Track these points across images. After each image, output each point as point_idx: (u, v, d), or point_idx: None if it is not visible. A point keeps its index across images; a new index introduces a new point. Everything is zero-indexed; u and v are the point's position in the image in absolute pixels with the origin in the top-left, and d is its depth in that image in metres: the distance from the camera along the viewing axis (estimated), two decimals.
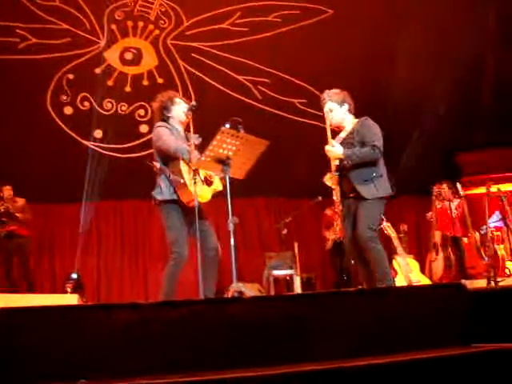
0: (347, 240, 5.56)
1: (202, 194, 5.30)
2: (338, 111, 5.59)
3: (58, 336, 3.14)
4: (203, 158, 4.97)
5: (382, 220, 8.26)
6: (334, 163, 5.45)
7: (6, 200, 9.39)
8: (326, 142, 5.54)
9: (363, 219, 5.27)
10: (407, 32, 10.39)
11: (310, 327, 3.48)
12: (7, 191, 9.46)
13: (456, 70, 10.74)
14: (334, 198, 5.57)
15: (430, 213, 9.50)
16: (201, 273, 5.09)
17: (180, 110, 5.56)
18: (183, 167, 5.27)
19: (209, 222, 5.53)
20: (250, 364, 3.15)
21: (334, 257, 9.73)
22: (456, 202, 9.40)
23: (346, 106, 5.60)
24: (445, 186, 9.47)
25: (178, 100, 5.63)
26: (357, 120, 5.58)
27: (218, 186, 5.51)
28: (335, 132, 5.68)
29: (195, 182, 5.09)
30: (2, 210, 9.05)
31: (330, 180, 5.53)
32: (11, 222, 9.19)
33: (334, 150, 5.38)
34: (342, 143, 5.48)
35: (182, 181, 5.21)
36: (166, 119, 5.58)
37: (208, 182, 5.44)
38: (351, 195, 5.43)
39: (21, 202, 9.48)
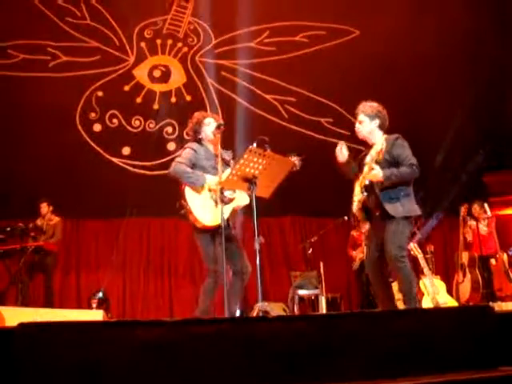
0: (368, 260, 5.53)
1: (215, 215, 5.29)
2: (367, 124, 5.52)
3: (84, 351, 3.15)
4: (230, 177, 4.99)
5: (410, 240, 8.22)
6: (364, 183, 5.40)
7: (43, 216, 9.52)
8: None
9: (392, 238, 5.21)
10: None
11: (335, 347, 3.46)
12: (44, 208, 9.59)
13: (485, 89, 10.73)
14: (359, 218, 5.56)
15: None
16: (225, 292, 5.09)
17: (209, 130, 5.61)
18: (188, 192, 5.33)
19: (238, 243, 5.55)
20: (273, 383, 3.14)
21: (361, 277, 9.66)
22: (486, 221, 9.32)
23: (376, 121, 5.50)
24: (476, 205, 9.40)
25: (207, 121, 5.67)
26: (386, 137, 5.48)
27: (242, 201, 5.49)
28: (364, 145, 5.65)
29: (219, 202, 5.13)
30: (31, 226, 9.13)
31: (357, 200, 5.50)
32: (40, 237, 9.26)
33: (374, 172, 5.29)
34: (371, 162, 5.44)
35: (187, 207, 5.29)
36: (198, 140, 5.65)
37: (226, 199, 5.43)
38: (377, 213, 5.38)
39: (55, 220, 9.58)
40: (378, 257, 5.43)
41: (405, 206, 5.28)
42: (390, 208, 5.26)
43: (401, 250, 5.21)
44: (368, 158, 5.51)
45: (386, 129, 5.59)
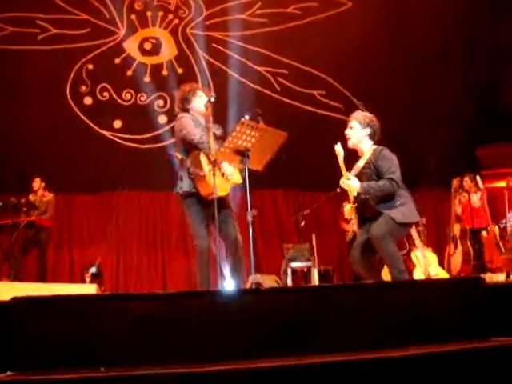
0: (355, 246, 5.58)
1: (222, 186, 5.31)
2: (357, 131, 5.52)
3: (77, 325, 3.17)
4: (222, 150, 4.97)
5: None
6: (353, 194, 5.42)
7: (35, 192, 9.50)
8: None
9: (380, 224, 5.25)
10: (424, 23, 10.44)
11: (327, 319, 3.48)
12: (36, 183, 9.56)
13: (476, 62, 10.73)
14: (354, 227, 5.61)
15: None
16: (219, 264, 5.11)
17: (201, 102, 5.60)
18: (203, 159, 5.30)
19: (232, 213, 5.58)
20: (267, 355, 3.17)
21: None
22: (478, 194, 9.35)
23: (367, 130, 5.51)
24: (467, 178, 9.42)
25: (200, 93, 5.66)
26: (373, 149, 5.50)
27: (237, 179, 5.51)
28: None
29: (214, 174, 5.11)
30: (24, 201, 9.11)
31: (350, 213, 5.53)
32: (33, 212, 9.24)
33: (351, 183, 5.33)
34: (359, 173, 5.46)
35: (201, 173, 5.24)
36: (185, 110, 5.62)
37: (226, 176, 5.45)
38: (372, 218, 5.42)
39: (48, 197, 9.55)
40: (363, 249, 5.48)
41: (405, 214, 5.29)
42: (396, 214, 5.24)
43: (384, 235, 5.22)
44: (355, 167, 5.57)
45: (377, 140, 5.60)
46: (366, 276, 5.51)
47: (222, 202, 5.36)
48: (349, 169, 5.53)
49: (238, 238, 5.50)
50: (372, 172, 5.38)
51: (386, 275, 8.71)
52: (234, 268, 5.44)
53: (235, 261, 5.46)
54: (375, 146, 5.52)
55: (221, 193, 5.27)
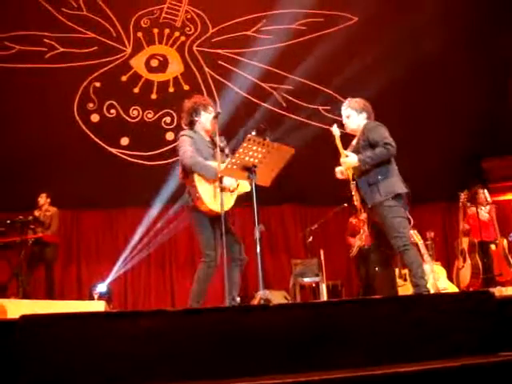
0: (372, 247, 5.62)
1: (224, 201, 5.29)
2: (354, 118, 5.65)
3: (85, 343, 3.17)
4: (229, 166, 4.98)
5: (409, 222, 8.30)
6: (351, 173, 5.47)
7: (40, 207, 9.53)
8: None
9: (389, 233, 5.31)
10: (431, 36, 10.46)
11: (336, 335, 3.47)
12: (42, 199, 9.61)
13: (481, 73, 10.75)
14: (355, 203, 5.63)
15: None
16: (227, 280, 5.10)
17: (209, 118, 5.58)
18: (198, 181, 5.29)
19: (233, 229, 5.57)
20: (276, 371, 3.15)
21: (360, 264, 9.68)
22: (487, 207, 9.33)
23: (364, 115, 5.63)
24: (481, 191, 9.39)
25: (211, 109, 5.64)
26: (364, 124, 5.61)
27: (244, 187, 5.50)
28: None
29: (221, 190, 5.12)
30: (31, 219, 9.13)
31: (351, 188, 5.60)
32: (40, 229, 9.27)
33: (349, 159, 5.43)
34: (354, 150, 5.52)
35: (197, 195, 5.25)
36: (192, 122, 5.61)
37: (231, 188, 5.44)
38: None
39: (52, 211, 9.59)
40: (378, 244, 5.51)
41: (383, 189, 5.34)
42: (368, 197, 5.38)
43: (402, 239, 5.26)
44: (350, 146, 5.67)
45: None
46: (384, 279, 5.54)
47: (225, 217, 5.36)
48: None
49: (244, 255, 5.50)
50: (365, 145, 5.46)
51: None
52: (234, 285, 5.41)
53: (236, 278, 5.44)
54: (365, 122, 5.62)
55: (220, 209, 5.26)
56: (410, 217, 5.80)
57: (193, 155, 5.36)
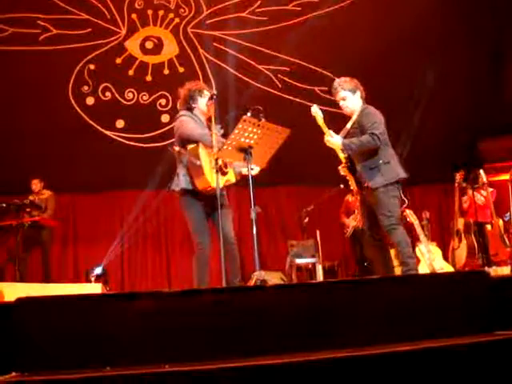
0: (364, 228, 5.64)
1: (214, 181, 5.31)
2: (351, 99, 5.64)
3: (81, 324, 3.17)
4: (225, 147, 4.98)
5: (403, 202, 8.30)
6: (343, 155, 5.49)
7: (36, 193, 9.54)
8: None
9: (380, 209, 5.35)
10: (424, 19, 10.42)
11: (332, 315, 3.48)
12: (35, 184, 9.62)
13: (477, 55, 10.72)
14: (351, 187, 5.66)
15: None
16: (223, 260, 5.12)
17: (204, 101, 5.60)
18: (202, 151, 5.31)
19: (229, 209, 5.58)
20: (272, 352, 3.16)
21: (355, 244, 9.70)
22: (487, 190, 9.34)
23: (358, 93, 5.65)
24: (481, 172, 9.39)
25: (206, 92, 5.66)
26: (360, 109, 5.60)
27: (231, 177, 5.52)
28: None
29: (217, 171, 5.13)
30: (27, 202, 9.12)
31: (342, 171, 5.60)
32: (36, 212, 9.28)
33: (332, 140, 5.43)
34: (347, 134, 5.52)
35: (198, 163, 5.25)
36: (189, 109, 5.63)
37: (222, 171, 5.44)
38: (365, 185, 5.46)
39: (46, 194, 9.60)
40: (370, 225, 5.53)
41: (385, 174, 5.37)
42: (370, 179, 5.40)
43: (390, 218, 5.30)
44: (344, 129, 5.67)
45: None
46: (376, 262, 5.57)
47: (221, 198, 5.37)
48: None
49: (232, 236, 5.52)
50: (358, 131, 5.49)
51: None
52: (233, 264, 5.44)
53: (230, 258, 5.46)
54: (363, 106, 5.62)
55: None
56: (404, 198, 5.83)
57: (203, 132, 5.43)
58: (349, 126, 5.63)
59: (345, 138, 5.50)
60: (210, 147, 5.25)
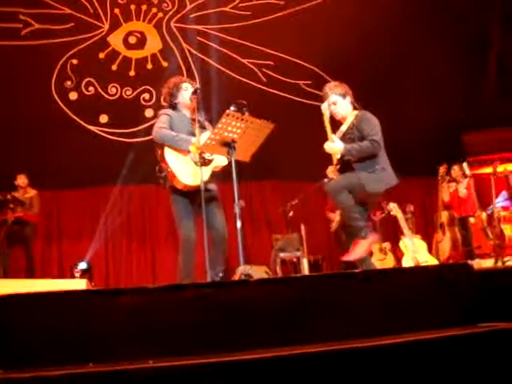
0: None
1: (195, 176, 5.32)
2: (341, 104, 5.64)
3: (66, 320, 3.16)
4: (208, 142, 4.97)
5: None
6: (336, 157, 5.52)
7: (19, 188, 9.47)
8: (330, 123, 5.58)
9: (341, 179, 5.46)
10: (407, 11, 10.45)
11: (318, 309, 3.49)
12: (21, 179, 9.55)
13: (460, 47, 10.76)
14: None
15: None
16: (207, 256, 5.13)
17: (186, 95, 5.62)
18: (168, 154, 5.33)
19: (218, 203, 5.59)
20: (256, 346, 3.16)
21: (340, 238, 9.72)
22: (464, 182, 9.40)
23: (348, 98, 5.66)
24: (455, 166, 9.47)
25: (184, 86, 5.68)
26: (355, 113, 5.62)
27: (220, 162, 5.51)
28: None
29: (201, 165, 5.16)
30: (10, 198, 9.07)
31: (332, 173, 5.62)
32: (19, 208, 9.23)
33: (335, 145, 5.46)
34: (343, 137, 5.56)
35: (168, 169, 5.30)
36: (174, 105, 5.64)
37: (206, 162, 5.44)
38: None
39: (31, 193, 9.54)
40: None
41: (381, 180, 5.44)
42: (369, 185, 5.39)
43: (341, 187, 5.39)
44: (338, 131, 5.65)
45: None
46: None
47: (208, 192, 5.38)
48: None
49: (223, 229, 5.52)
50: (355, 136, 5.49)
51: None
52: (215, 259, 5.45)
53: (217, 252, 5.48)
54: (356, 111, 5.63)
55: (195, 183, 5.28)
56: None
57: (161, 128, 5.44)
58: (344, 128, 5.63)
59: (341, 140, 5.50)
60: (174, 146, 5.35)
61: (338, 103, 5.62)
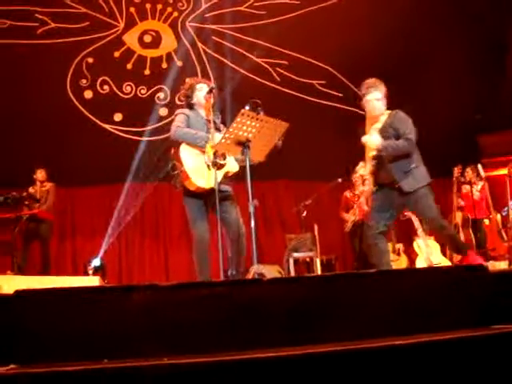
0: (372, 224, 5.63)
1: (208, 178, 5.31)
2: (382, 101, 5.71)
3: (80, 317, 3.17)
4: (223, 141, 4.97)
5: None
6: (372, 153, 5.51)
7: (37, 182, 9.50)
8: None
9: (428, 212, 5.69)
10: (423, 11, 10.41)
11: (331, 308, 3.48)
12: (40, 174, 9.58)
13: (476, 48, 10.71)
14: (365, 187, 5.71)
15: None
16: (221, 254, 5.13)
17: (201, 95, 5.64)
18: (184, 152, 5.34)
19: (234, 203, 5.60)
20: (269, 345, 3.16)
21: (354, 238, 9.71)
22: (479, 184, 9.35)
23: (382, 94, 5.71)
24: (469, 169, 9.42)
25: (199, 86, 5.71)
26: (389, 112, 5.67)
27: (231, 168, 5.52)
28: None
29: (216, 166, 5.17)
30: (25, 195, 9.12)
31: (363, 169, 5.63)
32: (34, 205, 9.26)
33: (373, 139, 5.49)
34: (378, 134, 5.56)
35: (182, 168, 5.30)
36: (190, 105, 5.68)
37: (219, 165, 5.43)
38: (390, 186, 5.56)
39: (48, 186, 9.57)
40: (378, 220, 5.54)
41: (417, 178, 5.54)
42: (404, 183, 5.51)
43: (439, 219, 5.73)
44: (372, 129, 5.66)
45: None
46: (376, 256, 5.62)
47: (222, 193, 5.39)
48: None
49: (240, 226, 5.53)
50: (390, 134, 5.54)
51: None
52: (236, 256, 5.47)
53: (237, 249, 5.49)
54: (389, 111, 5.69)
55: (208, 185, 5.28)
56: None
57: (179, 127, 5.47)
58: (379, 126, 5.62)
59: None
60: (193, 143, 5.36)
61: (380, 100, 5.67)
